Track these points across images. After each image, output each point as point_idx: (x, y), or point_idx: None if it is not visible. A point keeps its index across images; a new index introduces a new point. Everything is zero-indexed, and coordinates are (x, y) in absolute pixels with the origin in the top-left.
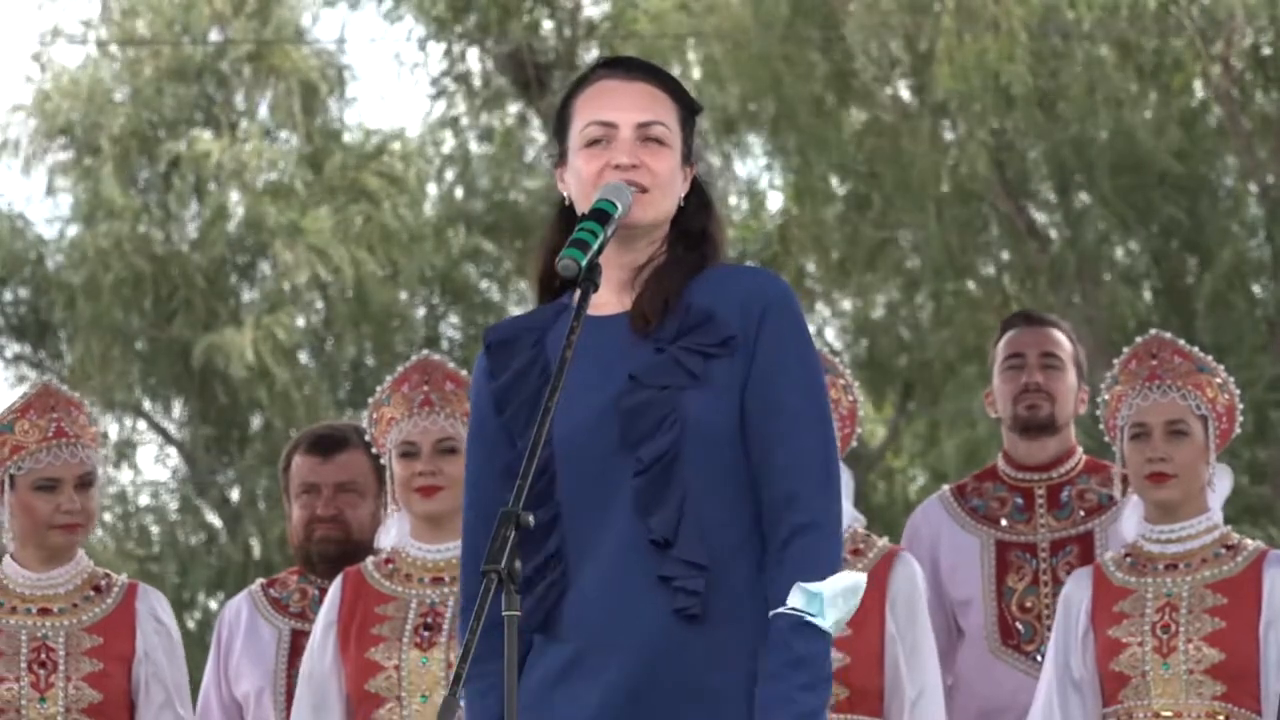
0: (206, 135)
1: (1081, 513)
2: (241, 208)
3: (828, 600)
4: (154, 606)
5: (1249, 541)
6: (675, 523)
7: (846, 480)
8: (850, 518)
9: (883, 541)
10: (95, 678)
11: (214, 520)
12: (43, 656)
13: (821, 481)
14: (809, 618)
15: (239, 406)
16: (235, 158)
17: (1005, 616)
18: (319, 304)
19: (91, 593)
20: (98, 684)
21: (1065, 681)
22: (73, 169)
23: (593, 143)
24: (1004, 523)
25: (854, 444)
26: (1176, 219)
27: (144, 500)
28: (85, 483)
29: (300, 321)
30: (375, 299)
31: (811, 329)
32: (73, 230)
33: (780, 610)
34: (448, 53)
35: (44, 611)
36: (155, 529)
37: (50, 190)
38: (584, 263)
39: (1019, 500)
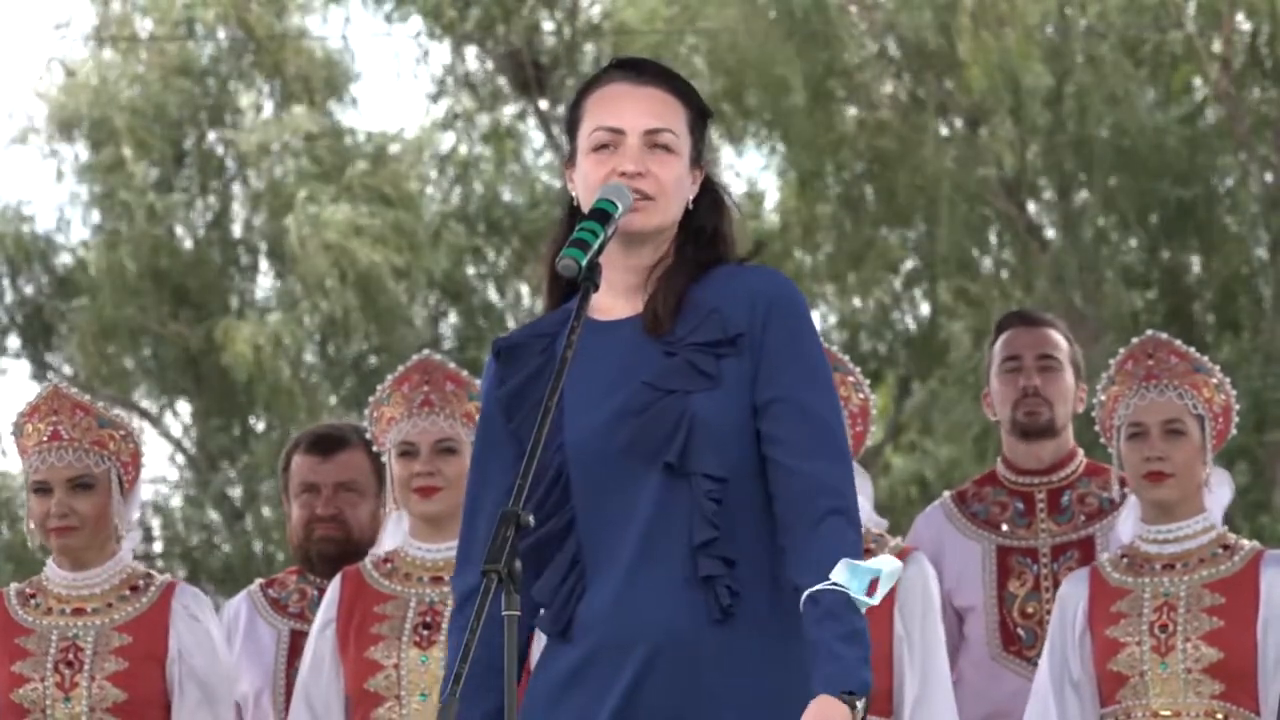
0: (211, 135)
1: (1082, 517)
2: (249, 205)
3: (882, 580)
4: (190, 605)
5: (1245, 542)
6: (711, 522)
7: (864, 483)
8: (868, 520)
9: (895, 541)
10: (120, 677)
11: (217, 519)
12: (70, 656)
13: (840, 470)
14: (853, 595)
15: (243, 403)
16: (241, 153)
17: (1007, 622)
18: (323, 302)
19: (128, 592)
20: (123, 683)
21: (1063, 681)
22: (83, 164)
23: (600, 147)
24: (1005, 528)
25: (868, 442)
26: (1177, 217)
27: (147, 498)
28: (79, 485)
29: (307, 320)
30: (381, 297)
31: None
32: (81, 226)
33: (823, 586)
34: (456, 51)
35: (78, 611)
36: (158, 527)
37: (59, 181)
38: (584, 262)
39: (1019, 505)
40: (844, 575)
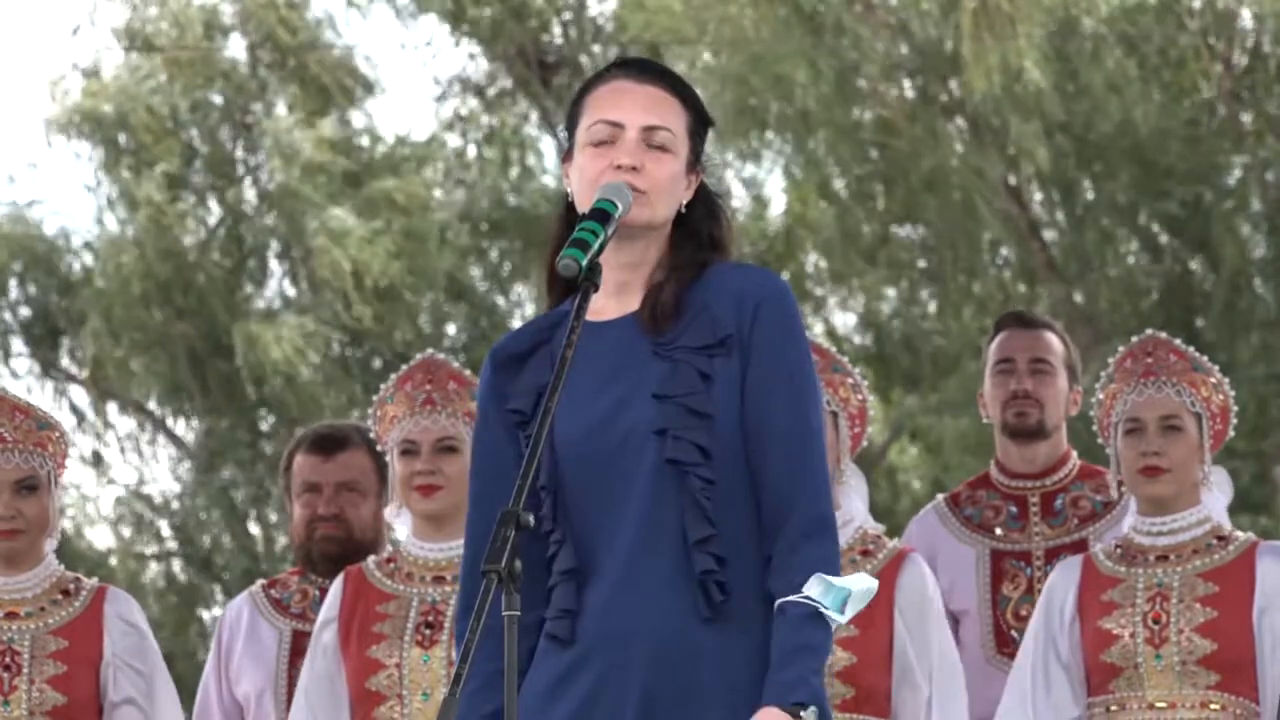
0: (225, 133)
1: (1076, 520)
2: (263, 208)
3: (852, 599)
4: (122, 609)
5: (1240, 533)
6: (704, 520)
7: (859, 483)
8: (862, 519)
9: (893, 543)
10: (59, 680)
11: (227, 521)
12: (7, 660)
13: (815, 480)
14: (823, 610)
15: (252, 406)
16: (255, 156)
17: (1001, 625)
18: (332, 304)
19: (60, 596)
20: (61, 687)
21: (1049, 661)
22: (96, 166)
23: (599, 142)
24: (999, 531)
25: (864, 443)
26: (1180, 217)
27: (158, 500)
28: (26, 487)
29: (313, 324)
30: (385, 298)
31: (818, 327)
32: (93, 227)
33: (793, 598)
34: (472, 55)
35: (11, 615)
36: (167, 528)
37: (75, 186)
38: (584, 262)
39: (1013, 509)
40: (817, 590)
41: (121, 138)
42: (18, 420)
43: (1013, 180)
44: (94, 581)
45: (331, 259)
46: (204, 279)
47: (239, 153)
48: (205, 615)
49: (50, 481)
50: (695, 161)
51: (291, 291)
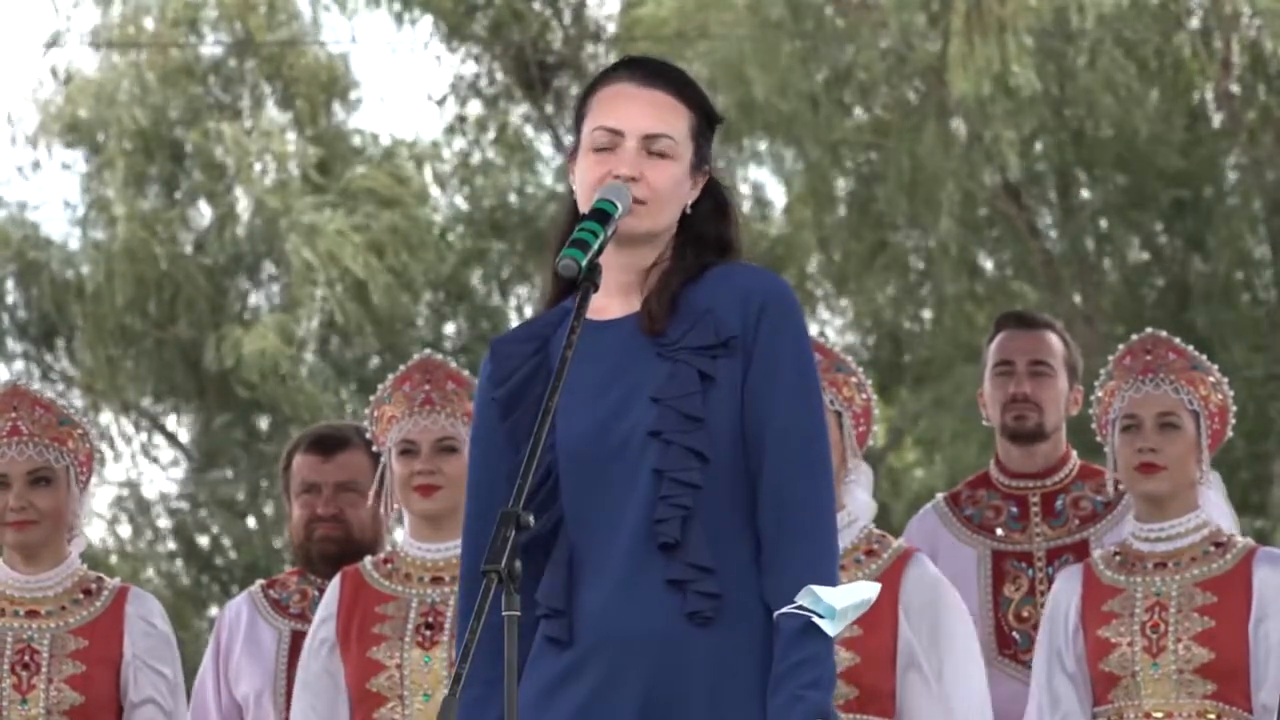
0: (213, 129)
1: (1076, 520)
2: (248, 210)
3: (840, 613)
4: (143, 610)
5: (1238, 539)
6: (681, 525)
7: (866, 479)
8: (867, 518)
9: (898, 542)
10: (77, 680)
11: (222, 522)
12: (26, 658)
13: (814, 482)
14: (815, 619)
15: (245, 407)
16: (243, 157)
17: (1002, 626)
18: (325, 306)
19: (81, 595)
20: (79, 686)
21: (1056, 672)
22: (83, 169)
23: (599, 148)
24: (1000, 532)
25: (869, 441)
26: (1178, 216)
27: (154, 501)
28: (39, 480)
29: (310, 324)
30: (381, 301)
31: (815, 329)
32: (85, 231)
33: (786, 610)
34: (475, 56)
35: (32, 614)
36: (166, 530)
37: (58, 191)
38: (584, 262)
39: (1014, 509)
40: (808, 600)
41: (108, 143)
42: (37, 414)
43: (1010, 178)
44: (116, 581)
45: (312, 259)
46: (194, 282)
47: (222, 155)
48: (204, 615)
49: (69, 478)
50: (700, 162)
51: (275, 291)
